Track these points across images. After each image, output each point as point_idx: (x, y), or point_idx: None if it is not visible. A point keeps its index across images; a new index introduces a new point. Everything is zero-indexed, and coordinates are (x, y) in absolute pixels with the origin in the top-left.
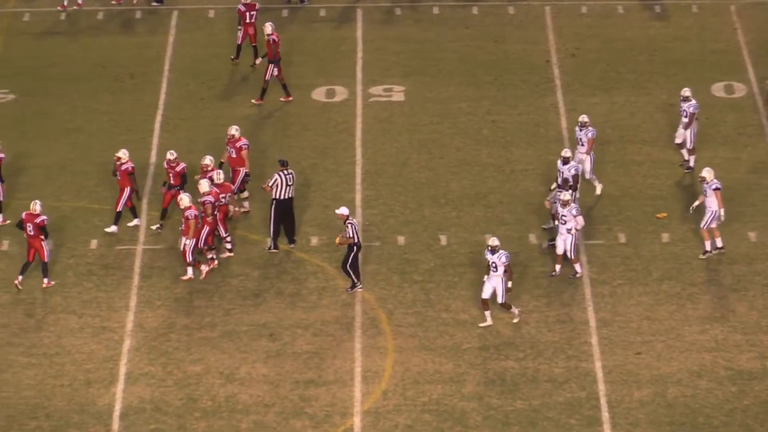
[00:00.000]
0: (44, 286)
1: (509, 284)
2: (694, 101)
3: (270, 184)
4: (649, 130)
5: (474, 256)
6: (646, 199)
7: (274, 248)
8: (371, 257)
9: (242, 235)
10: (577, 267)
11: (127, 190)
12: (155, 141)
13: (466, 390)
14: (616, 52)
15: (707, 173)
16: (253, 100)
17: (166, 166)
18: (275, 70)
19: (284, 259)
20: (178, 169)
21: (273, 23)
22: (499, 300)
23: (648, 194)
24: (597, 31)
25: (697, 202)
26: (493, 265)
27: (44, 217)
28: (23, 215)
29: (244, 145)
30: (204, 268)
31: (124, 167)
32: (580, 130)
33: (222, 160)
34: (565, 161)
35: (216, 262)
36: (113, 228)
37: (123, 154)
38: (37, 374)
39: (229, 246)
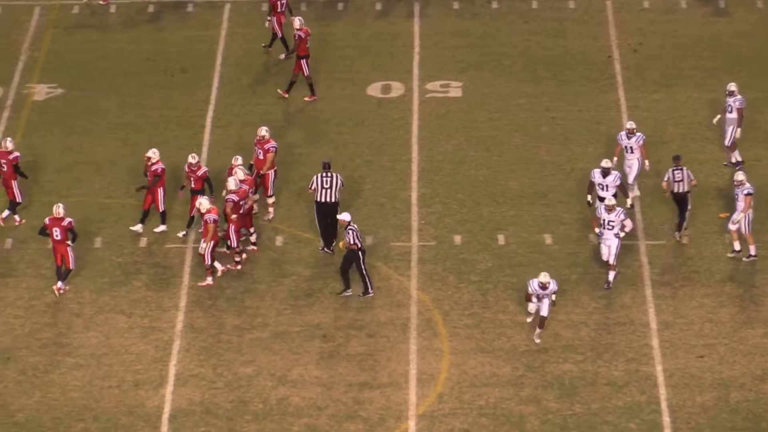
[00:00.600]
0: (55, 288)
1: (554, 297)
2: (740, 96)
3: (309, 188)
4: (713, 128)
5: (533, 256)
6: (709, 199)
7: (326, 249)
8: (427, 257)
9: (294, 233)
10: (611, 276)
11: (161, 190)
12: (206, 137)
13: (524, 393)
14: (679, 48)
15: (744, 176)
16: (305, 98)
17: (187, 169)
18: (303, 64)
19: (339, 258)
20: (199, 173)
21: (302, 18)
22: (543, 313)
23: (711, 194)
24: (659, 27)
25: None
26: (545, 296)
27: (70, 219)
28: (46, 220)
29: (272, 147)
30: (209, 280)
31: (153, 168)
32: (628, 138)
33: (251, 162)
34: (606, 173)
35: (244, 255)
36: (162, 227)
37: (153, 153)
38: (84, 375)
39: (253, 239)
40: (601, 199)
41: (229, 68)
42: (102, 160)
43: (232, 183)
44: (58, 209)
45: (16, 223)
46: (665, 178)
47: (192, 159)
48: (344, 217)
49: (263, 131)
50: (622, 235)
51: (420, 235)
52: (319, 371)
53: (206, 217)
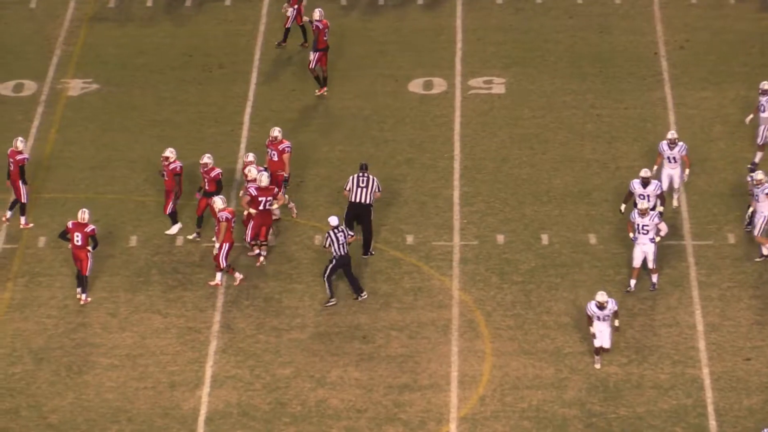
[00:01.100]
0: (81, 302)
1: (616, 323)
2: None
3: (345, 188)
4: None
5: (577, 256)
6: None
7: (365, 252)
8: (469, 257)
9: None
10: (655, 278)
11: (175, 192)
12: (245, 134)
13: (568, 396)
14: (727, 44)
15: (763, 175)
16: (316, 92)
17: (201, 170)
18: (316, 57)
19: (378, 258)
20: (213, 174)
21: (322, 10)
22: (606, 345)
23: None
24: (707, 23)
25: (752, 208)
26: (606, 317)
27: (93, 227)
28: (69, 224)
29: (287, 147)
30: (237, 276)
31: (171, 167)
32: (670, 148)
33: (265, 165)
34: (646, 182)
35: (262, 258)
36: (176, 226)
37: (170, 153)
38: (119, 376)
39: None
40: (635, 205)
41: (267, 63)
42: (138, 157)
43: (255, 175)
44: (83, 214)
45: (5, 220)
46: (749, 179)
47: (204, 160)
48: (331, 220)
49: (276, 131)
50: (657, 239)
51: (462, 234)
52: (358, 373)
53: (219, 215)
